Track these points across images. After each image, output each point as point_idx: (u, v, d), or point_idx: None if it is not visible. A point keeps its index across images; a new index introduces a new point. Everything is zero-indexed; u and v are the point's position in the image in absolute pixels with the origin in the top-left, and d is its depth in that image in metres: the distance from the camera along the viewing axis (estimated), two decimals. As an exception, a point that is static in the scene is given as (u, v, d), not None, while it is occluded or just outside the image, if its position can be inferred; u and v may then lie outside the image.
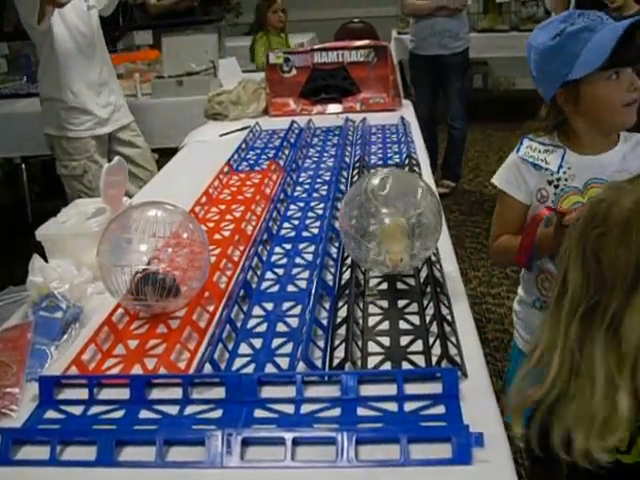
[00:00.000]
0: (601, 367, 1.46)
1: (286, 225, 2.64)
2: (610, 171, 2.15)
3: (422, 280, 2.10)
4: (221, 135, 4.09)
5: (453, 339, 1.78)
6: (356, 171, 3.07)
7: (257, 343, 1.85)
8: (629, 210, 1.42)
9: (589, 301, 1.48)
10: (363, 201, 2.00)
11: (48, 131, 4.49)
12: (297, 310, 2.00)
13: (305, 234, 2.54)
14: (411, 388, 1.60)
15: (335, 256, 2.30)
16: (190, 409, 1.60)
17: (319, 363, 1.73)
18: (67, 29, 4.22)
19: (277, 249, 2.43)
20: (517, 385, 1.65)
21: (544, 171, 2.25)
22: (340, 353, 1.74)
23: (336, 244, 2.37)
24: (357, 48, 4.39)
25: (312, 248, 2.40)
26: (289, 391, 1.62)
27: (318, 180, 3.11)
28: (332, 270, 2.22)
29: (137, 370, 1.78)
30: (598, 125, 2.21)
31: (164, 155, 6.25)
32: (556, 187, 2.26)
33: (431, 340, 1.80)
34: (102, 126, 4.45)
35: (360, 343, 1.81)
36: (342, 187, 2.93)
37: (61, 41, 4.22)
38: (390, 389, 1.59)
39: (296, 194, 2.96)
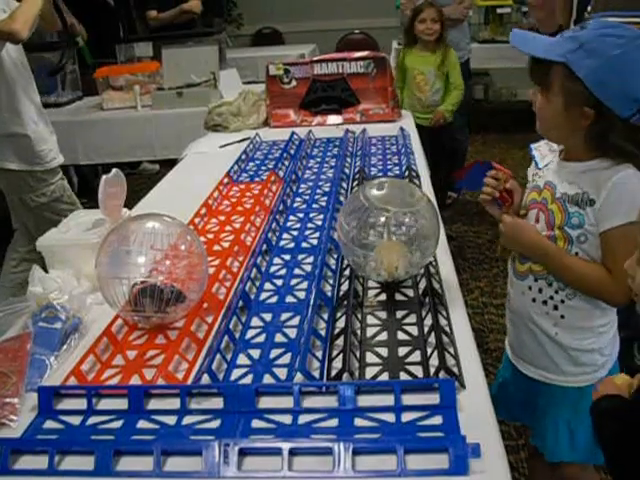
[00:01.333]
0: None
1: (285, 236, 2.65)
2: (563, 177, 2.16)
3: (421, 291, 2.11)
4: (221, 146, 4.10)
5: (451, 350, 1.79)
6: (356, 182, 3.08)
7: (255, 354, 1.86)
8: None
9: None
10: (361, 209, 2.01)
11: (11, 166, 4.16)
12: (295, 321, 2.01)
13: (304, 245, 2.56)
14: (409, 399, 1.60)
15: (334, 267, 2.31)
16: (188, 419, 1.61)
17: (317, 374, 1.74)
18: (8, 56, 4.02)
19: (276, 260, 2.44)
20: None
21: (534, 164, 2.30)
22: (338, 364, 1.75)
23: (335, 255, 2.38)
24: (356, 59, 4.40)
25: (311, 259, 2.42)
26: (287, 402, 1.63)
27: (318, 191, 3.12)
28: (331, 281, 2.23)
29: (136, 380, 1.79)
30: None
31: (164, 166, 6.28)
32: (532, 181, 2.31)
33: (429, 351, 1.81)
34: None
35: (358, 354, 1.82)
36: (341, 198, 2.94)
37: (8, 69, 4.03)
38: (388, 400, 1.60)
39: (295, 205, 2.97)
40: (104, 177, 2.38)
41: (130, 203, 2.59)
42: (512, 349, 2.40)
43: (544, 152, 2.31)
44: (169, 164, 4.57)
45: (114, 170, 2.45)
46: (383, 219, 2.01)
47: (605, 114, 1.97)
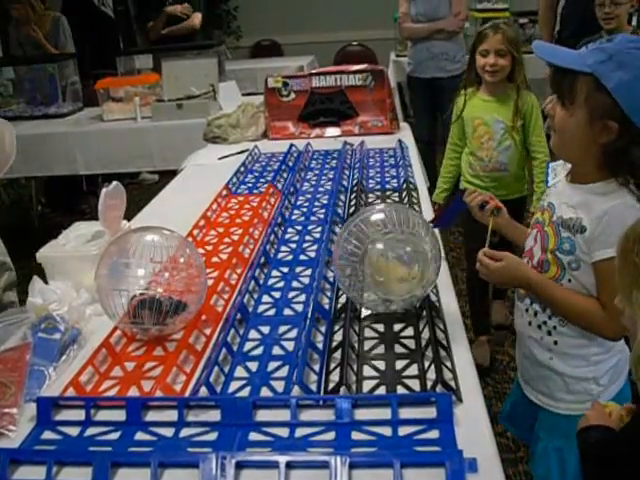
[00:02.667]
0: None
1: (283, 248, 2.65)
2: (563, 199, 2.15)
3: (418, 305, 2.10)
4: (220, 158, 4.10)
5: (448, 364, 1.79)
6: (354, 195, 3.07)
7: (253, 366, 1.86)
8: None
9: None
10: (359, 236, 2.00)
11: None
12: (293, 334, 2.01)
13: (302, 257, 2.55)
14: (406, 412, 1.60)
15: (331, 280, 2.31)
16: (185, 431, 1.61)
17: (314, 387, 1.74)
18: None
19: (274, 272, 2.44)
20: None
21: (546, 182, 2.29)
22: (335, 377, 1.75)
23: (332, 268, 2.37)
24: (355, 72, 4.40)
25: (309, 272, 2.41)
26: (284, 414, 1.63)
27: (316, 203, 3.12)
28: (328, 294, 2.23)
29: (134, 392, 1.78)
30: None
31: (164, 176, 6.27)
32: (542, 201, 2.31)
33: (426, 364, 1.80)
34: None
35: (355, 367, 1.81)
36: (340, 211, 2.94)
37: None
38: (384, 413, 1.60)
39: (294, 217, 2.97)
40: (104, 189, 2.38)
41: (129, 213, 2.59)
42: (518, 368, 2.39)
43: (559, 171, 2.30)
44: (169, 174, 4.57)
45: (114, 183, 2.45)
46: (381, 246, 1.98)
47: (629, 129, 1.94)
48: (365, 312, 2.11)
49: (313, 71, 4.56)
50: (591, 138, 1.99)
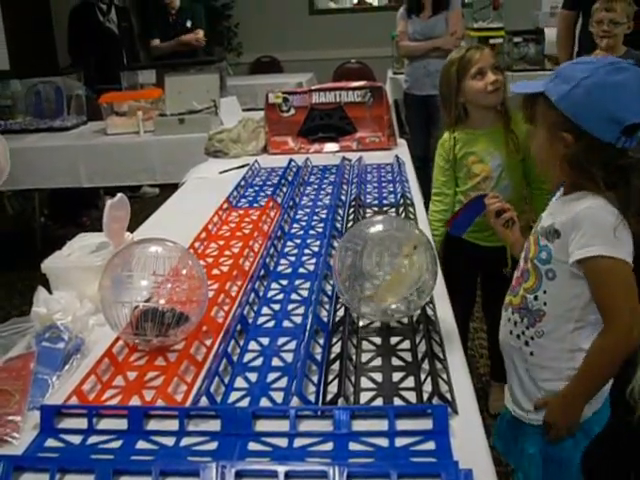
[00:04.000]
0: None
1: (283, 261, 2.65)
2: (548, 210, 2.21)
3: (415, 318, 2.10)
4: (221, 172, 4.10)
5: (444, 376, 1.79)
6: (352, 210, 3.07)
7: (252, 377, 1.85)
8: None
9: None
10: (358, 249, 2.00)
11: None
12: (292, 345, 2.00)
13: (301, 271, 2.55)
14: (402, 424, 1.60)
15: (330, 293, 2.31)
16: (186, 441, 1.60)
17: (313, 398, 1.73)
18: None
19: (274, 285, 2.44)
20: None
21: None
22: (333, 388, 1.75)
23: (331, 281, 2.36)
24: (354, 89, 4.41)
25: (308, 284, 2.41)
26: (283, 425, 1.62)
27: (315, 218, 3.12)
28: (327, 307, 2.22)
29: (135, 401, 1.78)
30: None
31: (164, 190, 6.28)
32: None
33: (423, 377, 1.80)
34: None
35: (353, 379, 1.81)
36: (338, 225, 2.94)
37: None
38: (382, 424, 1.60)
39: (293, 231, 2.97)
40: (109, 201, 2.39)
41: (130, 225, 2.59)
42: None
43: None
44: (169, 188, 4.57)
45: (119, 195, 2.45)
46: (379, 259, 1.99)
47: (583, 138, 1.98)
48: (363, 324, 2.11)
49: (313, 87, 4.57)
50: (554, 153, 2.06)
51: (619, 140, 1.95)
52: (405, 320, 2.11)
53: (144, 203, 7.59)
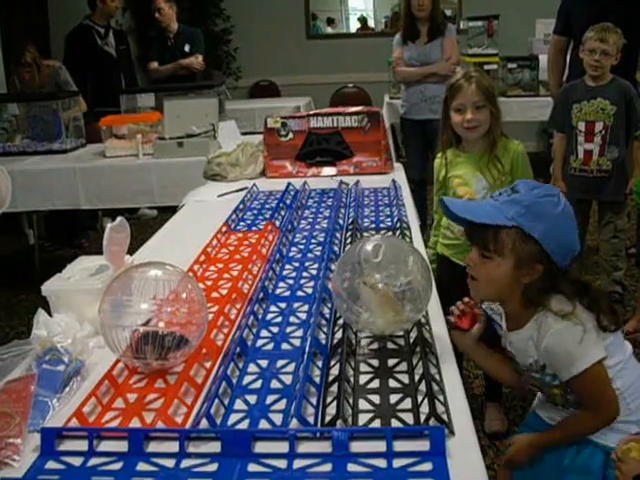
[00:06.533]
0: None
1: (281, 284, 2.65)
2: (515, 349, 2.34)
3: (411, 340, 2.12)
4: (219, 195, 4.11)
5: (441, 397, 1.79)
6: (349, 233, 3.08)
7: (252, 399, 1.86)
8: None
9: None
10: (355, 266, 2.02)
11: None
12: (291, 368, 2.01)
13: (299, 294, 2.56)
14: (400, 445, 1.60)
15: (328, 316, 2.31)
16: (186, 462, 1.61)
17: (311, 419, 1.74)
18: None
19: (272, 308, 2.45)
20: None
21: (497, 326, 2.45)
22: (332, 410, 1.75)
23: (329, 304, 2.38)
24: (351, 114, 4.42)
25: (306, 307, 2.42)
26: (282, 447, 1.62)
27: (313, 241, 3.13)
28: (325, 329, 2.23)
29: (135, 423, 1.78)
30: None
31: (163, 212, 6.29)
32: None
33: (420, 398, 1.81)
34: None
35: (351, 400, 1.82)
36: (335, 248, 2.95)
37: None
38: (380, 446, 1.60)
39: (291, 254, 2.98)
40: (109, 224, 2.39)
41: (130, 247, 2.59)
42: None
43: (496, 310, 2.41)
44: (167, 210, 4.59)
45: (119, 218, 2.46)
46: (378, 276, 2.01)
47: (551, 267, 2.12)
48: (360, 346, 2.12)
49: (311, 112, 4.58)
50: (516, 281, 2.16)
51: (567, 264, 2.15)
52: (402, 342, 2.13)
53: (142, 225, 7.60)
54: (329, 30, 11.79)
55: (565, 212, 2.13)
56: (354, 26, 11.92)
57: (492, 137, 3.47)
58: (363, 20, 11.88)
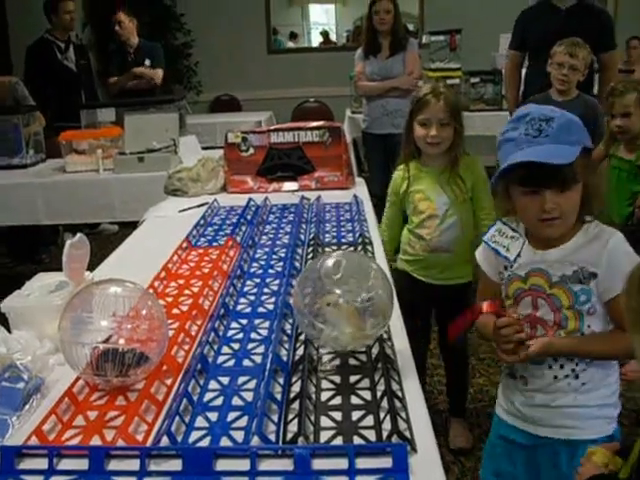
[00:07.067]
0: None
1: (242, 300, 2.65)
2: (551, 262, 2.22)
3: (373, 356, 2.12)
4: (180, 211, 4.10)
5: (403, 414, 1.80)
6: (311, 249, 3.09)
7: (213, 416, 1.85)
8: None
9: None
10: (316, 282, 2.03)
11: None
12: (252, 384, 2.01)
13: (260, 310, 2.55)
14: (362, 462, 1.60)
15: (289, 332, 2.31)
16: (147, 481, 1.60)
17: (273, 437, 1.73)
18: None
19: (233, 324, 2.44)
20: None
21: (502, 258, 2.32)
22: (294, 427, 1.75)
23: (290, 320, 2.38)
24: (312, 129, 4.42)
25: (267, 324, 2.42)
26: (244, 464, 1.62)
27: (274, 257, 3.12)
28: (286, 346, 2.23)
29: (96, 441, 1.77)
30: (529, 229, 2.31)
31: (123, 228, 6.26)
32: (507, 271, 2.35)
33: (382, 415, 1.81)
34: None
35: (313, 418, 1.82)
36: (297, 264, 2.95)
37: None
38: (342, 463, 1.60)
39: (252, 270, 2.97)
40: (69, 241, 2.38)
41: (90, 263, 2.58)
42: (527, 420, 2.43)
43: (502, 242, 2.34)
44: (128, 225, 4.56)
45: (78, 235, 2.45)
46: (339, 292, 2.01)
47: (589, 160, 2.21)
48: (322, 362, 2.12)
49: (272, 127, 4.58)
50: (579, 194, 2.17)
51: None
52: (364, 358, 2.13)
53: (103, 240, 7.57)
54: (291, 44, 11.81)
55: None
56: (316, 40, 11.97)
57: (454, 154, 3.51)
58: (325, 34, 11.92)
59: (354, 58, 6.82)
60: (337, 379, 2.03)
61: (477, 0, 10.39)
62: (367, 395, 1.93)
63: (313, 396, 1.92)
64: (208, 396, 1.96)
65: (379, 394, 1.91)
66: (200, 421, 1.84)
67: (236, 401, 1.93)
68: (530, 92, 5.74)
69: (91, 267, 2.67)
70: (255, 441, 1.71)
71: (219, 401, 1.93)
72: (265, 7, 11.24)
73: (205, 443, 1.74)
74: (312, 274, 2.06)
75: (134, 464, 1.64)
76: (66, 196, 5.63)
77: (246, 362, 2.16)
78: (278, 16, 11.51)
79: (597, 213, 2.21)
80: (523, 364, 2.34)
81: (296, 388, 1.95)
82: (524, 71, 6.30)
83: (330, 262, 2.06)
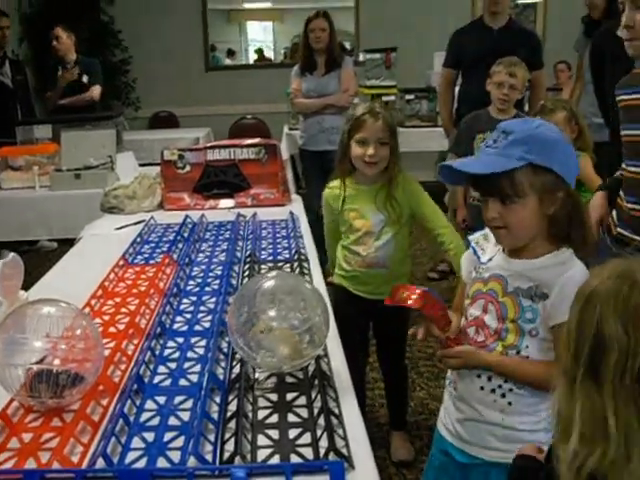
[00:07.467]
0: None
1: (179, 319, 2.62)
2: (513, 271, 2.24)
3: (310, 374, 2.11)
4: (117, 228, 4.07)
5: (340, 431, 1.80)
6: (247, 266, 3.08)
7: (149, 437, 1.83)
8: None
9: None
10: (252, 303, 2.02)
11: None
12: (189, 404, 1.99)
13: (197, 328, 2.53)
14: (299, 481, 1.60)
15: (226, 350, 2.30)
16: (82, 504, 1.58)
17: (210, 457, 1.72)
18: None
19: (170, 343, 2.42)
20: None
21: (476, 258, 2.34)
22: (230, 447, 1.74)
23: (227, 338, 2.35)
24: (248, 146, 4.43)
25: (204, 342, 2.40)
26: (180, 485, 1.61)
27: (210, 274, 3.11)
28: (223, 364, 2.21)
29: (31, 464, 1.74)
30: None
31: (62, 244, 6.19)
32: (475, 272, 2.37)
33: (319, 432, 1.80)
34: None
35: (250, 436, 1.80)
36: (233, 282, 2.94)
37: None
38: (279, 482, 1.60)
39: (189, 288, 2.95)
40: (1, 261, 2.35)
41: (28, 280, 2.55)
42: (452, 433, 2.42)
43: (483, 245, 2.37)
44: (67, 242, 4.51)
45: (11, 254, 2.43)
46: (274, 313, 2.01)
47: (569, 193, 2.15)
48: (259, 381, 2.11)
49: (208, 144, 4.58)
50: (543, 215, 2.16)
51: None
52: (300, 375, 2.12)
53: (41, 258, 7.47)
54: (229, 61, 11.80)
55: (560, 134, 2.19)
56: (254, 57, 11.98)
57: (391, 173, 3.50)
58: (260, 51, 11.93)
59: (291, 75, 6.83)
60: (274, 397, 2.02)
61: (412, 19, 10.46)
62: (304, 413, 1.92)
63: (250, 414, 1.91)
64: (144, 416, 1.94)
65: (316, 411, 1.90)
66: (136, 442, 1.82)
67: (173, 421, 1.91)
68: (463, 109, 5.80)
69: (28, 285, 2.64)
70: (192, 462, 1.69)
71: (155, 421, 1.91)
72: (203, 24, 11.21)
73: (142, 464, 1.72)
74: (248, 294, 2.06)
75: (69, 487, 1.62)
76: (1, 213, 5.55)
77: (182, 381, 2.14)
78: (216, 33, 11.49)
79: (579, 244, 2.22)
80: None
81: (233, 407, 1.94)
82: (457, 89, 6.37)
83: (264, 282, 2.06)
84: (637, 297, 1.50)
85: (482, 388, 2.28)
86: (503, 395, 2.25)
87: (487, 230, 2.38)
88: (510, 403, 2.24)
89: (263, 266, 3.12)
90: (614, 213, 2.81)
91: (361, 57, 8.95)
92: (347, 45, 10.85)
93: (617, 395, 1.45)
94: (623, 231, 2.80)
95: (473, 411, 2.31)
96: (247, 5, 11.89)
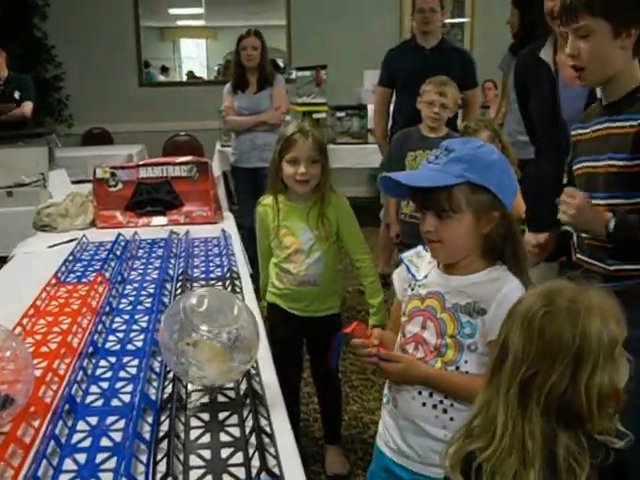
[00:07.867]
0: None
1: (111, 338, 2.60)
2: (450, 288, 2.25)
3: (242, 392, 2.11)
4: (49, 246, 4.02)
5: (272, 450, 1.79)
6: (180, 284, 3.07)
7: (81, 458, 1.81)
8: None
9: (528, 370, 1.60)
10: (182, 319, 2.01)
11: None
12: (121, 424, 1.97)
13: (130, 347, 2.51)
14: (231, 501, 1.60)
15: (158, 370, 2.28)
16: (12, 528, 1.56)
17: (142, 478, 1.71)
18: None
19: (102, 362, 2.39)
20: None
21: (410, 276, 2.35)
22: (162, 467, 1.73)
23: (159, 358, 2.35)
24: (180, 164, 4.43)
25: (136, 361, 2.38)
26: (112, 507, 1.59)
27: (143, 292, 3.08)
28: (155, 384, 2.20)
29: (-40, 489, 1.72)
30: None
31: (-3, 262, 6.10)
32: (411, 289, 2.37)
33: (251, 452, 1.80)
34: None
35: (182, 457, 1.80)
36: (166, 300, 2.92)
37: None
38: (211, 503, 1.59)
39: (121, 306, 2.93)
40: None
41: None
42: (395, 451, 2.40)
43: (417, 263, 2.39)
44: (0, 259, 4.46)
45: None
46: (204, 328, 2.00)
47: (505, 214, 2.19)
48: (191, 400, 2.10)
49: (140, 162, 4.56)
50: (478, 233, 2.19)
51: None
52: (232, 394, 2.12)
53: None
54: (162, 78, 11.75)
55: (500, 157, 2.22)
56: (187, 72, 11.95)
57: (322, 191, 3.51)
58: (190, 74, 11.88)
59: (223, 93, 6.82)
60: (206, 416, 2.01)
61: (341, 38, 10.49)
62: (236, 432, 1.92)
63: (182, 435, 1.90)
64: (76, 437, 1.92)
65: (248, 430, 1.90)
66: (68, 464, 1.80)
67: (105, 442, 1.89)
68: (397, 126, 5.83)
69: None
70: (124, 483, 1.68)
71: (87, 442, 1.89)
72: (136, 41, 11.14)
73: (73, 487, 1.70)
74: (177, 311, 2.05)
75: (-1, 511, 1.60)
76: None
77: (115, 401, 2.12)
78: (150, 50, 11.43)
79: (512, 262, 2.24)
80: (396, 386, 2.35)
81: (165, 427, 1.92)
82: (392, 107, 6.41)
83: (194, 299, 2.06)
84: (544, 319, 1.61)
85: (424, 404, 2.28)
86: (445, 411, 2.25)
87: (419, 248, 2.41)
88: (452, 419, 2.24)
89: (195, 284, 3.11)
90: (574, 238, 2.82)
91: (293, 74, 8.98)
92: (280, 62, 10.87)
93: (507, 399, 1.62)
94: (581, 256, 2.81)
95: (416, 427, 2.31)
96: (180, 22, 11.85)
